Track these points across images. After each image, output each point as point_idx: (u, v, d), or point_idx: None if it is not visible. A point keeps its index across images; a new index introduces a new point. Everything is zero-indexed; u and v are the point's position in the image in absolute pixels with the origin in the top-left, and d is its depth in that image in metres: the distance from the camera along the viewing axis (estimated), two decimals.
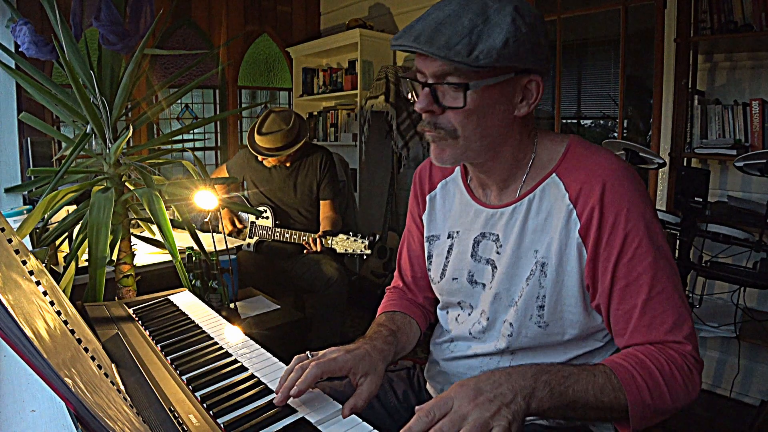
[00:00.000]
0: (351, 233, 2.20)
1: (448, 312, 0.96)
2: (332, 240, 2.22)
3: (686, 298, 0.76)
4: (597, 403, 0.67)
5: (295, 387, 0.68)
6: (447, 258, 0.92)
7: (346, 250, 2.19)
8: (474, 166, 0.86)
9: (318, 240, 2.22)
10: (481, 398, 0.61)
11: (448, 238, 0.93)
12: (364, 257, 2.18)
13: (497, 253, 0.85)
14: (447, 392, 0.63)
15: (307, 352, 0.77)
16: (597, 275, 0.77)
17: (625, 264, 0.74)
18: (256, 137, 2.34)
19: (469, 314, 0.90)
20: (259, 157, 2.38)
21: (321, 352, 0.76)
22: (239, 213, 2.53)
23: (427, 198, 0.98)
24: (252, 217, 2.49)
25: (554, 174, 0.80)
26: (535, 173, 0.83)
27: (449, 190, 0.96)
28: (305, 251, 2.32)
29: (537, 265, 0.79)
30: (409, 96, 0.82)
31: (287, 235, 2.35)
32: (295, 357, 0.75)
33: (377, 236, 2.20)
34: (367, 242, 2.15)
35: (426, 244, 0.98)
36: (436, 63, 0.73)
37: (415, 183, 1.02)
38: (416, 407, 0.62)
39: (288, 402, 0.69)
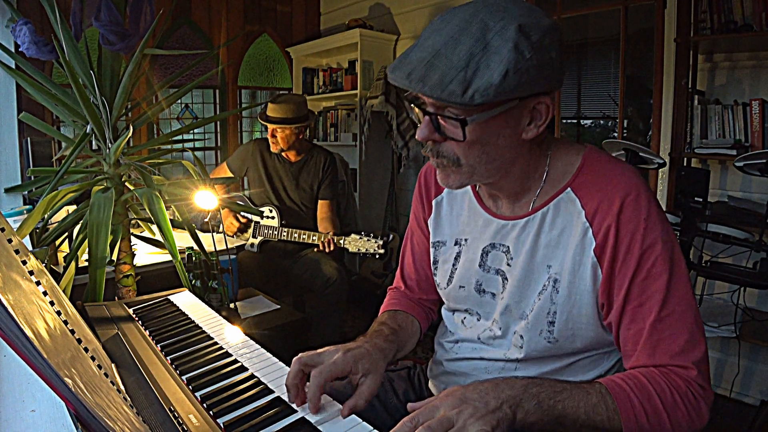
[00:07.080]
0: (363, 233, 2.21)
1: (454, 314, 0.95)
2: (344, 240, 2.22)
3: (701, 320, 0.73)
4: (588, 422, 0.66)
5: (308, 404, 0.68)
6: (454, 265, 0.91)
7: (359, 250, 2.19)
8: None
9: (330, 240, 2.22)
10: (465, 405, 0.61)
11: (456, 245, 0.92)
12: (377, 256, 2.18)
13: (508, 264, 0.83)
14: (433, 399, 0.64)
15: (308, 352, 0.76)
16: (612, 294, 0.74)
17: (639, 283, 0.72)
18: (269, 107, 2.37)
19: (478, 320, 0.89)
20: (268, 127, 2.37)
21: (318, 351, 0.75)
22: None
23: (433, 202, 0.96)
24: (256, 217, 2.48)
25: (569, 189, 0.78)
26: (549, 187, 0.80)
27: (456, 196, 0.93)
28: (315, 249, 2.30)
29: (549, 281, 0.78)
30: (414, 117, 0.82)
31: (295, 235, 2.33)
32: (295, 359, 0.73)
33: (391, 236, 2.21)
34: (381, 242, 2.17)
35: (432, 250, 0.96)
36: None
37: (419, 184, 0.99)
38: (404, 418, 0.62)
39: (288, 401, 0.69)
